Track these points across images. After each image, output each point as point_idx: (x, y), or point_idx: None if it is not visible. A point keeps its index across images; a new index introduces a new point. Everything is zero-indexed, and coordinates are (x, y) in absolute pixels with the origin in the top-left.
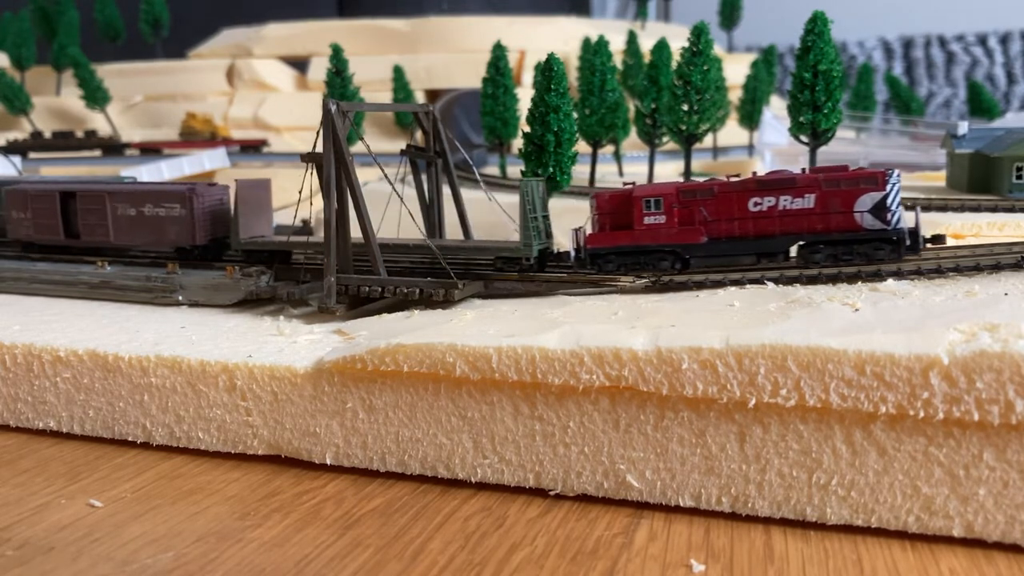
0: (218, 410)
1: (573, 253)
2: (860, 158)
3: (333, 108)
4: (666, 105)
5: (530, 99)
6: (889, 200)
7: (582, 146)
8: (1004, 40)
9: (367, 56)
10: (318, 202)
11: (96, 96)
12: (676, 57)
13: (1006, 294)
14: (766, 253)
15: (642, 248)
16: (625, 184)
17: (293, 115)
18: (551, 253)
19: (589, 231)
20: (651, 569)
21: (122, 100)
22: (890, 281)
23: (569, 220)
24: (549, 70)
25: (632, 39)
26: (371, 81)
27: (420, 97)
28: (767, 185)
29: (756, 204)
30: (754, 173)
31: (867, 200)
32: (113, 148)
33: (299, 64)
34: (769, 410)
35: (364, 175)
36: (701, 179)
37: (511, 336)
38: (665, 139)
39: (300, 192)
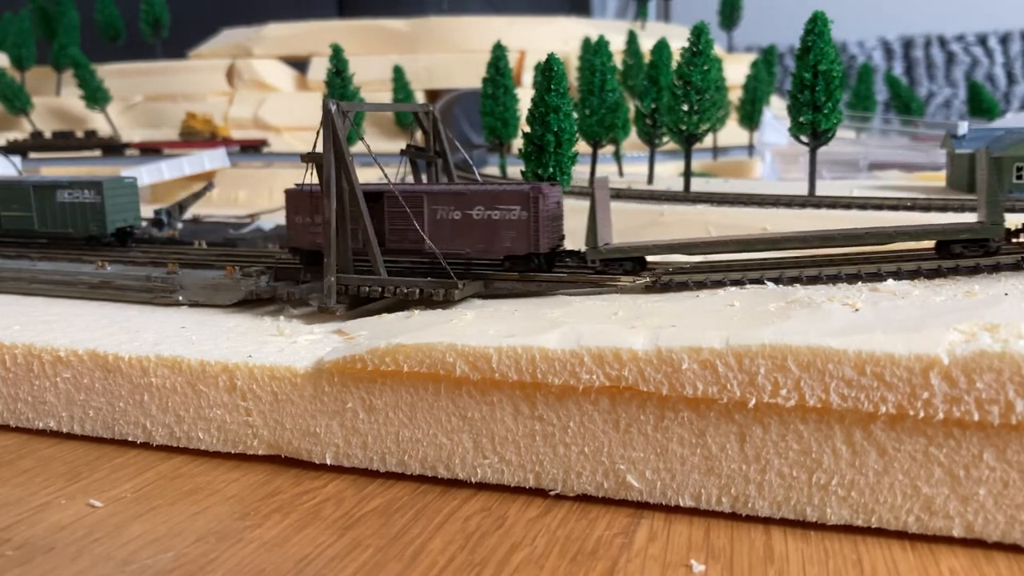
0: (218, 410)
1: None
2: (860, 158)
3: (333, 108)
4: (666, 105)
5: (530, 99)
6: None
7: (582, 146)
8: (1004, 40)
9: (367, 56)
10: None
11: (96, 96)
12: (676, 57)
13: (1006, 294)
14: None
15: None
16: None
17: (293, 115)
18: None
19: None
20: (651, 569)
21: (122, 100)
22: (890, 281)
23: (571, 221)
24: (549, 70)
25: (632, 39)
26: (371, 81)
27: (420, 97)
28: None
29: None
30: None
31: None
32: (113, 148)
33: (299, 64)
34: (769, 410)
35: (364, 175)
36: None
37: (511, 336)
38: (665, 139)
39: None
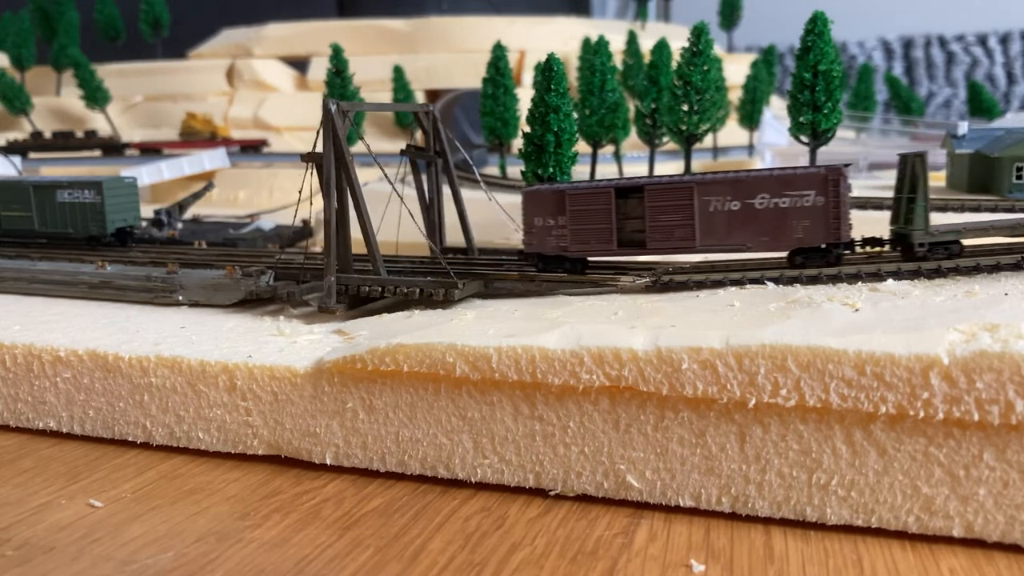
0: (218, 410)
1: None
2: (860, 158)
3: (333, 108)
4: (666, 105)
5: (530, 99)
6: None
7: (582, 146)
8: (1004, 40)
9: (367, 56)
10: (318, 202)
11: (96, 96)
12: (676, 57)
13: (1006, 294)
14: None
15: None
16: None
17: (293, 115)
18: None
19: None
20: (651, 569)
21: (122, 100)
22: (890, 281)
23: None
24: (549, 70)
25: (632, 39)
26: (371, 81)
27: (420, 97)
28: None
29: None
30: None
31: None
32: (113, 148)
33: (299, 64)
34: (769, 410)
35: (364, 175)
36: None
37: (511, 336)
38: (665, 139)
39: (300, 192)
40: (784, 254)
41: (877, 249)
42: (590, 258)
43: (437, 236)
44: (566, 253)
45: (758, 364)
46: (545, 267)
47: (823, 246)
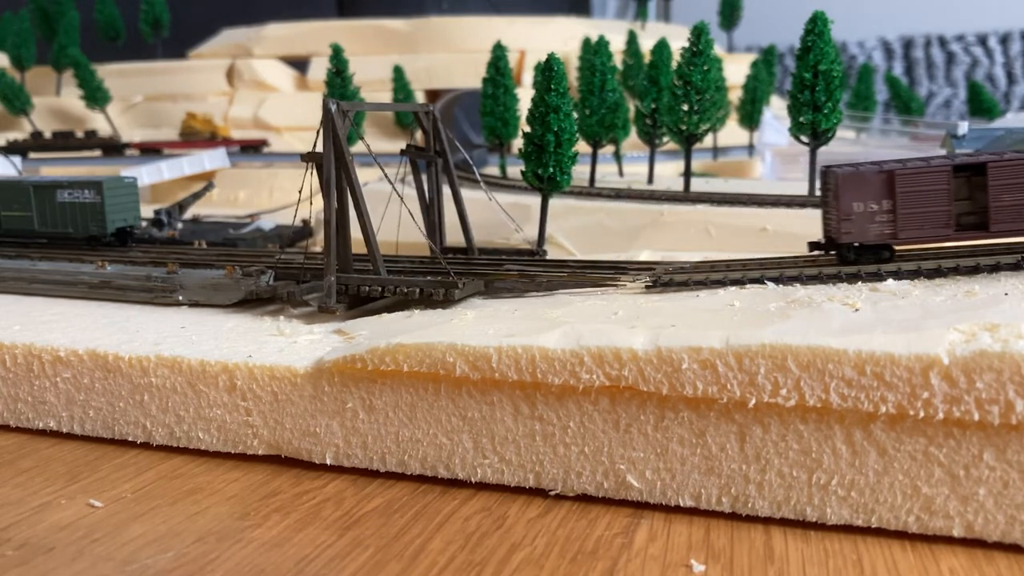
0: (218, 410)
1: None
2: (860, 158)
3: (333, 108)
4: (666, 105)
5: (530, 99)
6: None
7: (582, 146)
8: (1004, 40)
9: (367, 56)
10: (318, 202)
11: (96, 96)
12: (676, 57)
13: (1006, 294)
14: None
15: None
16: None
17: (293, 115)
18: None
19: None
20: (651, 569)
21: (122, 100)
22: (890, 281)
23: (571, 220)
24: (549, 70)
25: (632, 39)
26: (371, 81)
27: (420, 97)
28: None
29: None
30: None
31: None
32: (113, 148)
33: (299, 64)
34: (769, 410)
35: (364, 175)
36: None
37: (511, 336)
38: (665, 139)
39: (300, 192)
40: None
41: None
42: (917, 246)
43: (437, 236)
44: (894, 240)
45: (758, 364)
46: (857, 258)
47: None
